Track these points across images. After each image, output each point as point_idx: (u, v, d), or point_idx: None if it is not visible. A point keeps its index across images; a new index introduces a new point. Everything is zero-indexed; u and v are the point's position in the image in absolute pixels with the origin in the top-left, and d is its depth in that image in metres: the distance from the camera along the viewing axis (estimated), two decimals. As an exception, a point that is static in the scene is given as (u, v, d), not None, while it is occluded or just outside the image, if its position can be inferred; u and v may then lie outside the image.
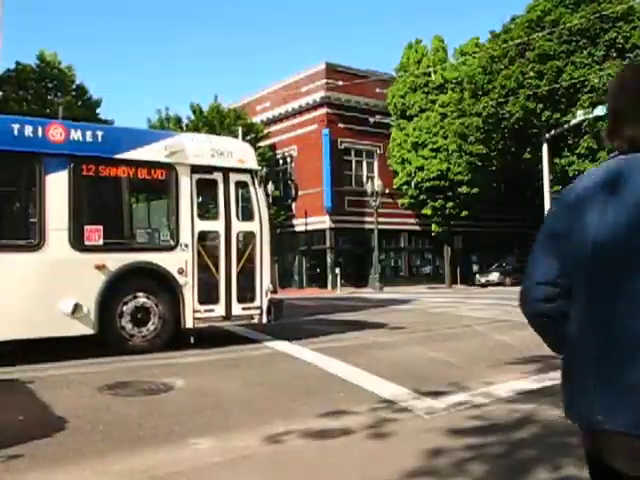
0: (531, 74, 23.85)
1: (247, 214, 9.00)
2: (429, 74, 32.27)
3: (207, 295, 8.52)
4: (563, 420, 4.49)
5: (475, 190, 30.69)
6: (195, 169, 8.55)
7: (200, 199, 8.68)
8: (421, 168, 32.11)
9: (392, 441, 4.05)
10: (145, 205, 9.43)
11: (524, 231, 30.78)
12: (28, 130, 7.55)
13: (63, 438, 4.16)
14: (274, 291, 9.00)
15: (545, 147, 24.75)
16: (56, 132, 7.74)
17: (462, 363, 6.98)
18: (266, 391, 5.65)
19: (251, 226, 8.93)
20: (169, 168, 8.40)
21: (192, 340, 8.37)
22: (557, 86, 23.35)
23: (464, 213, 32.45)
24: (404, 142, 33.14)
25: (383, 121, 34.96)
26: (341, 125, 35.39)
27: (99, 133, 8.10)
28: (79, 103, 32.29)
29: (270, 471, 3.57)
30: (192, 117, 37.44)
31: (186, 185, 8.43)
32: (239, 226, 8.88)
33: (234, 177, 8.85)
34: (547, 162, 24.57)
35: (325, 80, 35.04)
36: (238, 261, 8.76)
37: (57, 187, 7.64)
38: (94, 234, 7.80)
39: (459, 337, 9.43)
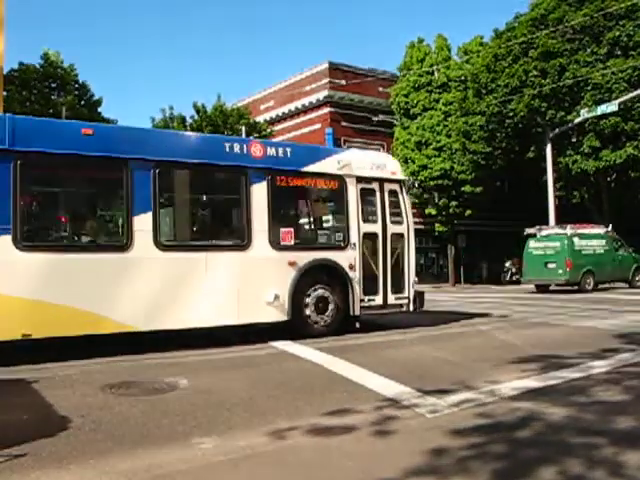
0: (535, 72, 23.80)
1: (397, 218, 10.42)
2: (432, 73, 32.22)
3: (370, 287, 9.91)
4: (566, 419, 4.48)
5: (479, 189, 30.65)
6: (359, 180, 10.01)
7: (363, 205, 10.06)
8: (424, 167, 32.06)
9: (395, 440, 4.05)
10: (323, 210, 10.84)
11: (528, 230, 30.73)
12: (236, 147, 9.03)
13: (66, 437, 4.17)
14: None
15: (549, 146, 24.69)
16: (257, 149, 9.24)
17: (466, 362, 6.97)
18: (269, 390, 5.64)
19: (400, 228, 10.38)
20: (341, 179, 9.89)
21: (357, 325, 9.82)
22: (561, 84, 23.28)
23: (467, 212, 32.42)
24: (407, 141, 33.10)
25: (386, 120, 34.93)
26: (344, 124, 35.38)
27: (288, 150, 9.60)
28: (82, 102, 32.34)
29: (274, 470, 3.57)
30: (196, 116, 37.46)
31: (353, 193, 9.92)
32: (392, 228, 10.29)
33: (387, 186, 10.34)
34: (551, 161, 24.52)
35: (328, 79, 35.03)
36: (392, 258, 10.20)
37: (259, 196, 9.08)
38: (287, 235, 9.33)
39: (463, 336, 9.42)
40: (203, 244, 8.84)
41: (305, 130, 36.56)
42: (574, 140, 24.79)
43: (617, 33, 22.97)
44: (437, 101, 32.30)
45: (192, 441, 4.06)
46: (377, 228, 10.09)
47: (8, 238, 7.31)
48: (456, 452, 3.69)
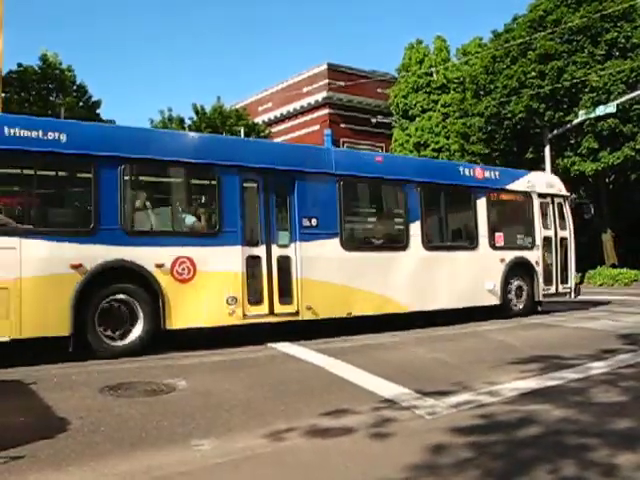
0: (533, 74, 23.81)
1: (563, 224, 13.10)
2: (431, 74, 32.25)
3: (547, 278, 12.59)
4: (565, 420, 4.48)
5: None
6: (539, 195, 12.73)
7: (542, 215, 12.74)
8: (423, 168, 32.03)
9: (394, 441, 4.05)
10: (518, 219, 12.95)
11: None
12: (466, 171, 11.82)
13: (65, 439, 4.16)
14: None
15: (547, 147, 24.71)
16: (479, 172, 12.03)
17: (464, 364, 6.97)
18: (268, 392, 5.65)
19: (565, 233, 13.12)
20: (529, 195, 12.61)
21: (539, 309, 12.51)
22: (559, 86, 23.30)
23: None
24: (406, 142, 33.10)
25: (385, 121, 34.95)
26: (343, 125, 35.39)
27: (497, 172, 12.48)
28: (80, 104, 32.33)
29: (273, 471, 3.57)
30: (195, 118, 37.46)
31: (536, 206, 12.63)
32: (560, 233, 13.00)
33: (556, 200, 13.08)
34: (549, 162, 24.52)
35: (327, 80, 35.05)
36: (560, 256, 12.91)
37: (481, 209, 11.70)
38: (499, 239, 11.91)
39: (461, 338, 9.42)
40: (449, 245, 11.45)
41: (304, 131, 36.58)
42: (572, 141, 24.80)
43: (615, 35, 22.97)
44: (436, 102, 32.33)
45: (191, 443, 4.06)
46: (551, 233, 12.86)
47: (337, 241, 9.76)
48: (455, 453, 3.70)
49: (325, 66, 35.31)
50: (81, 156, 7.90)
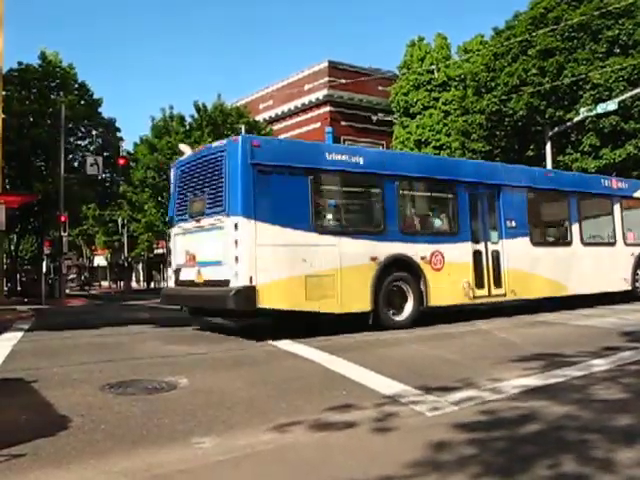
0: (534, 71, 23.76)
1: None
2: (432, 72, 32.20)
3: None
4: (567, 417, 4.47)
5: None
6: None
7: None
8: (424, 166, 32.02)
9: (396, 438, 4.04)
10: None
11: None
12: (605, 182, 14.79)
13: (66, 437, 4.16)
14: None
15: (548, 144, 24.67)
16: (614, 183, 14.95)
17: (466, 361, 6.96)
18: (269, 389, 5.64)
19: None
20: None
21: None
22: (560, 83, 23.26)
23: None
24: (407, 140, 33.08)
25: (386, 119, 34.92)
26: (344, 123, 35.38)
27: (625, 183, 15.31)
28: (81, 102, 32.32)
29: (274, 469, 3.57)
30: (196, 115, 37.42)
31: None
32: None
33: None
34: (550, 159, 24.49)
35: (328, 78, 35.02)
36: None
37: (617, 213, 14.61)
38: (631, 236, 14.81)
39: (463, 335, 9.42)
40: (598, 242, 14.17)
41: (305, 129, 36.55)
42: (574, 139, 24.77)
43: (616, 32, 22.92)
44: (437, 100, 32.31)
45: (192, 440, 4.05)
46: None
47: (527, 239, 12.51)
48: (456, 449, 3.69)
49: (326, 64, 35.27)
50: (373, 175, 10.44)
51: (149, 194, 38.38)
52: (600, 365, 6.36)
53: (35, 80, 30.87)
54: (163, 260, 54.19)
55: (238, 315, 10.09)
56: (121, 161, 30.51)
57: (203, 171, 10.01)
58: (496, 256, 11.87)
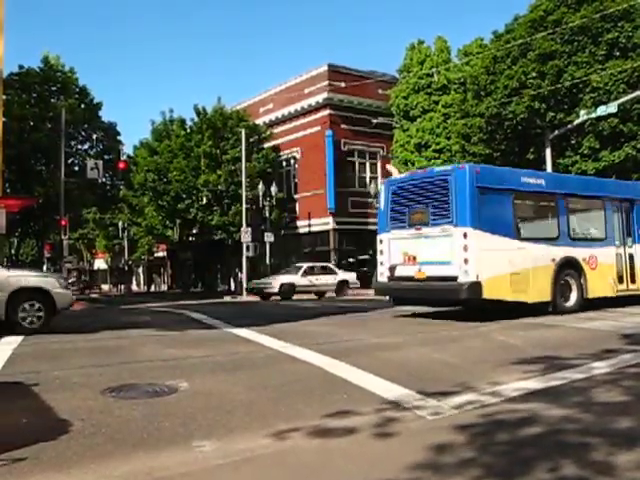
0: (534, 74, 23.79)
1: None
2: (432, 75, 32.24)
3: None
4: (567, 419, 4.46)
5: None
6: None
7: None
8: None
9: (396, 442, 4.04)
10: None
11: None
12: None
13: (66, 441, 4.16)
14: None
15: (548, 147, 24.69)
16: None
17: (466, 364, 6.96)
18: (269, 393, 5.64)
19: None
20: None
21: None
22: (560, 86, 23.29)
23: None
24: (407, 143, 33.11)
25: (386, 122, 34.94)
26: (344, 126, 35.40)
27: None
28: (82, 106, 32.38)
29: (274, 473, 3.57)
30: (196, 119, 37.47)
31: None
32: None
33: None
34: (550, 162, 24.51)
35: (328, 82, 35.06)
36: None
37: None
38: None
39: (463, 338, 9.41)
40: None
41: (305, 132, 36.59)
42: (573, 141, 24.79)
43: (616, 35, 22.96)
44: (437, 103, 32.33)
45: (192, 444, 4.05)
46: None
47: None
48: (457, 453, 3.69)
49: (326, 67, 35.31)
50: (550, 193, 13.20)
51: (149, 197, 38.42)
52: (600, 368, 6.36)
53: (35, 84, 30.94)
54: (163, 263, 54.19)
55: (463, 304, 13.06)
56: (121, 165, 30.55)
57: (426, 189, 12.54)
58: (631, 257, 14.54)
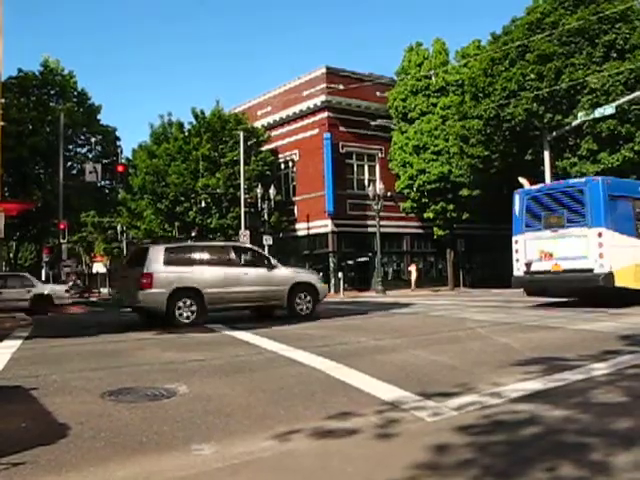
0: (532, 76, 23.84)
1: None
2: (430, 77, 32.29)
3: None
4: (567, 421, 4.46)
5: (476, 192, 30.67)
6: None
7: None
8: (422, 171, 32.09)
9: (396, 444, 4.03)
10: None
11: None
12: None
13: (66, 445, 4.15)
14: None
15: (547, 149, 24.72)
16: None
17: (465, 366, 6.95)
18: (268, 396, 5.63)
19: None
20: None
21: None
22: (557, 88, 23.33)
23: (465, 216, 32.40)
24: (405, 145, 33.14)
25: (384, 124, 34.96)
26: (342, 129, 35.42)
27: None
28: (80, 109, 32.40)
29: (274, 476, 3.56)
30: (194, 122, 37.47)
31: None
32: None
33: None
34: (549, 164, 24.55)
35: (326, 84, 35.07)
36: None
37: None
38: None
39: (462, 340, 9.40)
40: None
41: (303, 135, 36.60)
42: (572, 143, 24.83)
43: (613, 36, 23.04)
44: (435, 105, 32.37)
45: (191, 447, 4.04)
46: None
47: None
48: (457, 454, 3.68)
49: (324, 70, 35.33)
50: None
51: (148, 201, 38.41)
52: (600, 369, 6.36)
53: (34, 88, 30.97)
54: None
55: (601, 291, 14.40)
56: (120, 168, 30.55)
57: (562, 198, 15.00)
58: None
